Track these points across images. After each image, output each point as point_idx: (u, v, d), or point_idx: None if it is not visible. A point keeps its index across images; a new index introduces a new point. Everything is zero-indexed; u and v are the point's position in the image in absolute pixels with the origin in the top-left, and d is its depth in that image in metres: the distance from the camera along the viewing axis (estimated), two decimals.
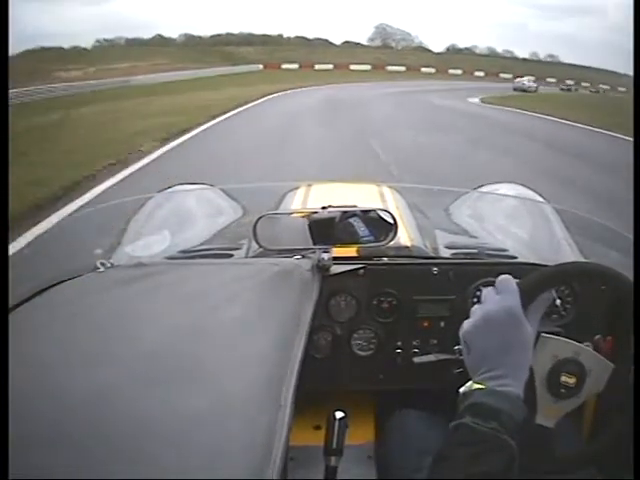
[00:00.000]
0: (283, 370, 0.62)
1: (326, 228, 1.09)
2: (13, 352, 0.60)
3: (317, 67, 37.29)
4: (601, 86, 49.37)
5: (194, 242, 1.44)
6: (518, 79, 43.32)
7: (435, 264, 1.16)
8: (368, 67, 38.80)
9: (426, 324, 1.16)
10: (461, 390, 0.64)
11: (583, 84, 52.47)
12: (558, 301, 1.11)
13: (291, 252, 1.00)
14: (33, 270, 1.07)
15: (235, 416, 0.54)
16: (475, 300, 1.10)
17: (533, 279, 0.71)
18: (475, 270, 1.15)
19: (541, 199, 1.90)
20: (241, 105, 16.10)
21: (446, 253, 1.36)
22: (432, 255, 1.35)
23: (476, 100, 24.02)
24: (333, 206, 1.12)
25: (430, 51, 58.77)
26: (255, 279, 0.84)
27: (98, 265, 0.93)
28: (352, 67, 37.82)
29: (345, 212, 1.11)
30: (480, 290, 1.12)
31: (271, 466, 0.48)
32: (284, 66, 36.41)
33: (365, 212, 1.12)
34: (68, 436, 0.49)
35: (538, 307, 0.70)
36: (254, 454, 0.49)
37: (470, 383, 0.64)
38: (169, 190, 1.88)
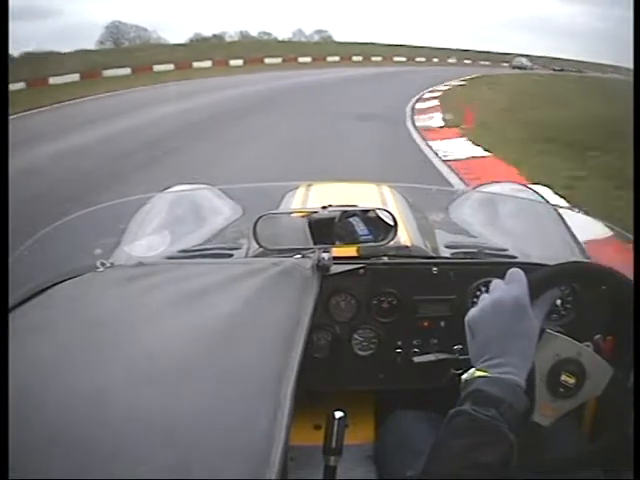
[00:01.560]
0: (283, 370, 0.62)
1: (326, 228, 1.10)
2: (13, 352, 0.60)
3: None
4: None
5: (194, 242, 1.43)
6: (517, 58, 40.30)
7: (435, 264, 1.16)
8: (76, 77, 24.84)
9: (426, 324, 1.16)
10: (463, 377, 0.64)
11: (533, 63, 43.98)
12: (558, 301, 1.11)
13: (291, 252, 1.00)
14: (33, 270, 1.07)
15: (234, 416, 0.54)
16: (475, 300, 1.10)
17: (539, 276, 0.71)
18: (475, 270, 1.15)
19: (541, 199, 1.90)
20: None
21: (446, 253, 1.36)
22: (432, 255, 1.35)
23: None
24: (333, 206, 1.12)
25: (169, 45, 47.08)
26: (255, 279, 0.84)
27: (98, 265, 0.93)
28: (51, 81, 23.22)
29: (345, 212, 1.11)
30: (480, 290, 1.12)
31: (270, 466, 0.48)
32: None
33: (365, 212, 1.12)
34: (68, 436, 0.49)
35: (543, 303, 0.71)
36: (253, 454, 0.49)
37: (472, 370, 0.64)
38: (169, 190, 1.88)
